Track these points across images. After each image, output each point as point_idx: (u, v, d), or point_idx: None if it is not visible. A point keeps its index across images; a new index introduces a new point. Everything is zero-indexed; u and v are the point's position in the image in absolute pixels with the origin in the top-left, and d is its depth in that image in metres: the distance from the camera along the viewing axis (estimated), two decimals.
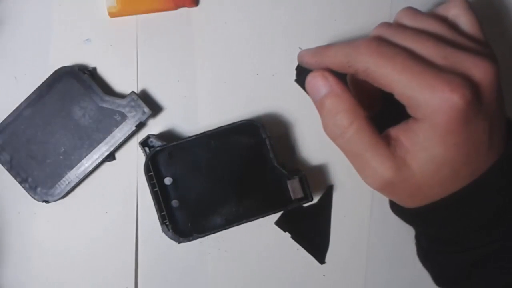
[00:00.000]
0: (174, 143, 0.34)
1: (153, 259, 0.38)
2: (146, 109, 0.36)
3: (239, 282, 0.38)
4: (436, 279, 0.33)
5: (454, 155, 0.27)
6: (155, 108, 0.37)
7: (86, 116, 0.36)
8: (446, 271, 0.31)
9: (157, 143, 0.35)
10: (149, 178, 0.34)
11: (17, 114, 0.36)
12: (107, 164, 0.37)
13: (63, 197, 0.37)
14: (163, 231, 0.34)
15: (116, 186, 0.38)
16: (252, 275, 0.38)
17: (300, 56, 0.32)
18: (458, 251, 0.30)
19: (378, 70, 0.27)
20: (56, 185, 0.36)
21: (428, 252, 0.33)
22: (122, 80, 0.37)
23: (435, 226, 0.30)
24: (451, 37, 0.28)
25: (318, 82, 0.29)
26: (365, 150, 0.28)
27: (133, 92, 0.36)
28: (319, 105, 0.29)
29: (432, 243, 0.32)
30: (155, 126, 0.37)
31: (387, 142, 0.28)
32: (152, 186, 0.34)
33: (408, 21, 0.29)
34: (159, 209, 0.34)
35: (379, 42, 0.28)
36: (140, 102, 0.36)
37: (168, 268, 0.38)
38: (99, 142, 0.36)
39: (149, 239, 0.38)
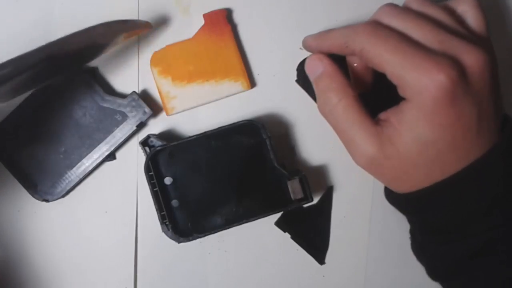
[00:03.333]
0: (175, 143, 0.34)
1: (153, 259, 0.38)
2: (147, 109, 0.36)
3: (239, 282, 0.38)
4: (431, 272, 0.33)
5: (439, 137, 0.28)
6: (156, 108, 0.37)
7: (87, 115, 0.36)
8: (442, 263, 0.31)
9: (157, 143, 0.35)
10: (149, 178, 0.34)
11: (17, 114, 0.36)
12: (108, 164, 0.37)
13: (63, 196, 0.37)
14: (163, 230, 0.34)
15: (116, 186, 0.38)
16: (252, 275, 0.38)
17: (304, 41, 0.34)
18: (453, 241, 0.30)
19: (372, 50, 0.28)
20: (56, 184, 0.36)
21: (423, 245, 0.33)
22: (123, 80, 0.37)
23: (428, 213, 0.31)
24: (453, 27, 0.29)
25: (314, 63, 0.32)
26: (351, 126, 0.30)
27: (134, 92, 0.36)
28: (315, 84, 0.32)
29: (426, 235, 0.32)
30: (155, 126, 0.37)
31: (376, 122, 0.30)
32: (152, 186, 0.34)
33: (416, 5, 0.30)
34: (159, 209, 0.34)
35: (375, 24, 0.29)
36: (141, 102, 0.36)
37: (167, 268, 0.38)
38: (99, 141, 0.36)
39: (149, 239, 0.37)
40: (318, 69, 0.31)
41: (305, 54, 0.36)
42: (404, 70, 0.27)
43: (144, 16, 0.37)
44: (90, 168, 0.36)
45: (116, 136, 0.36)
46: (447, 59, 0.27)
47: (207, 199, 0.35)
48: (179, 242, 0.34)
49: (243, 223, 0.34)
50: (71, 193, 0.37)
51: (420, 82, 0.27)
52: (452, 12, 0.30)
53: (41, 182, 0.36)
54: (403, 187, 0.31)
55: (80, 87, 0.36)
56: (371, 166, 0.30)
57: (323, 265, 0.38)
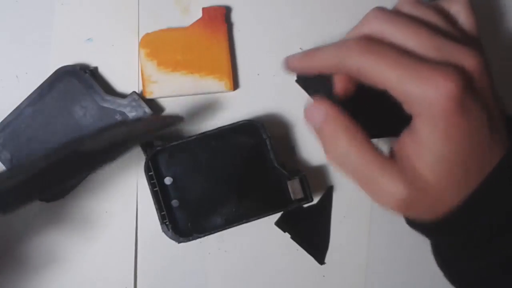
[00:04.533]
0: (175, 143, 0.34)
1: (153, 259, 0.38)
2: (147, 109, 0.36)
3: (238, 282, 0.38)
4: (460, 286, 0.32)
5: (461, 149, 0.26)
6: (156, 108, 0.37)
7: (87, 115, 0.36)
8: (473, 278, 0.30)
9: (157, 143, 0.35)
10: (149, 178, 0.34)
11: (18, 113, 0.36)
12: (108, 164, 0.37)
13: (63, 196, 0.37)
14: (163, 230, 0.34)
15: (116, 186, 0.38)
16: (252, 275, 0.38)
17: (287, 62, 0.30)
18: (485, 255, 0.28)
19: (370, 68, 0.27)
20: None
21: (452, 262, 0.31)
22: (123, 80, 0.37)
23: (457, 233, 0.29)
24: (448, 30, 0.28)
25: (315, 111, 0.29)
26: (371, 171, 0.27)
27: (134, 92, 0.36)
28: (318, 133, 0.29)
29: (456, 254, 0.30)
30: None
31: (391, 157, 0.27)
32: (152, 186, 0.34)
33: (408, 8, 0.29)
34: (159, 209, 0.34)
35: (368, 39, 0.27)
36: (141, 102, 0.36)
37: (167, 268, 0.38)
38: None
39: (149, 239, 0.37)
40: (320, 116, 0.28)
41: None
42: (408, 85, 0.26)
43: (144, 16, 0.37)
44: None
45: None
46: (450, 66, 0.26)
47: (207, 199, 0.35)
48: (179, 242, 0.34)
49: (243, 223, 0.34)
50: (71, 193, 0.37)
51: (428, 95, 0.25)
52: (445, 14, 0.29)
53: None
54: (434, 214, 0.28)
55: (80, 87, 0.36)
56: (405, 207, 0.27)
57: (323, 265, 0.38)
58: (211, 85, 0.36)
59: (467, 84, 0.26)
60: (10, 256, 0.38)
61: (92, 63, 0.37)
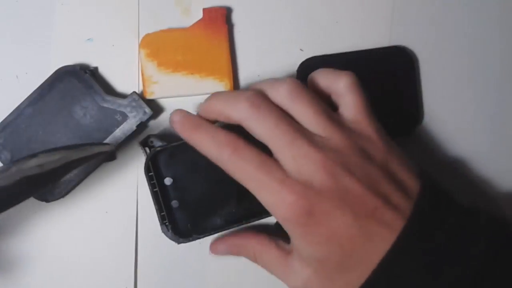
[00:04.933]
0: (175, 143, 0.34)
1: (153, 259, 0.38)
2: (147, 110, 0.36)
3: (238, 283, 0.38)
4: None
5: (331, 251, 0.27)
6: (156, 109, 0.37)
7: (87, 115, 0.36)
8: None
9: (157, 143, 0.35)
10: (149, 178, 0.34)
11: (18, 113, 0.36)
12: (108, 164, 0.37)
13: (63, 196, 0.36)
14: (163, 231, 0.34)
15: (116, 186, 0.38)
16: (252, 276, 0.38)
17: (173, 121, 0.32)
18: None
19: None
20: (57, 184, 0.36)
21: None
22: (123, 80, 0.37)
23: None
24: (317, 120, 0.29)
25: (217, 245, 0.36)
26: (276, 268, 0.32)
27: (134, 92, 0.36)
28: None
29: None
30: (156, 127, 0.37)
31: (288, 252, 0.31)
32: (152, 186, 0.34)
33: (286, 100, 0.29)
34: (159, 210, 0.34)
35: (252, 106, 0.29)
36: (141, 102, 0.36)
37: (167, 268, 0.38)
38: (100, 141, 0.36)
39: (149, 239, 0.38)
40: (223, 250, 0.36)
41: (305, 55, 0.36)
42: (263, 195, 0.28)
43: (144, 17, 0.37)
44: (90, 168, 0.36)
45: (116, 136, 0.36)
46: (297, 181, 0.27)
47: (207, 199, 0.35)
48: (178, 243, 0.34)
49: (243, 224, 0.34)
50: (71, 193, 0.37)
51: (279, 208, 0.27)
52: (325, 99, 0.30)
53: None
54: None
55: (80, 87, 0.36)
56: None
57: None
58: (212, 85, 0.36)
59: (313, 194, 0.26)
60: (10, 256, 0.38)
61: (92, 63, 0.37)
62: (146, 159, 0.34)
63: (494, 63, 0.38)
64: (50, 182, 0.30)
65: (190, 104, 0.37)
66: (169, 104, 0.38)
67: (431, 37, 0.38)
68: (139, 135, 0.37)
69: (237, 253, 0.34)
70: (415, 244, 0.26)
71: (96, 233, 0.38)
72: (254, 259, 0.33)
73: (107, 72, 0.37)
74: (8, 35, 0.37)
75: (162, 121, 0.37)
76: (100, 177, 0.37)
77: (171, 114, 0.32)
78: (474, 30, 0.38)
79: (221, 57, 0.36)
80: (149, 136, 0.35)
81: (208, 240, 0.37)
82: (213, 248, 0.36)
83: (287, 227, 0.28)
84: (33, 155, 0.29)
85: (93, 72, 0.37)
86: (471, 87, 0.38)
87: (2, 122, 0.36)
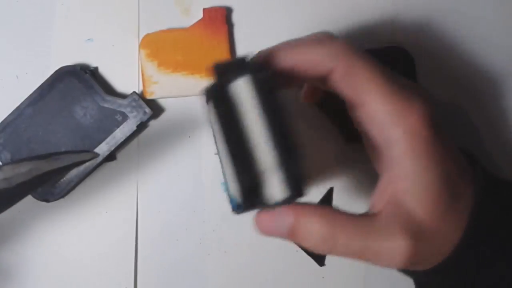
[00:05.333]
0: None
1: (153, 259, 0.38)
2: (147, 109, 0.36)
3: (238, 282, 0.38)
4: None
5: (445, 175, 0.24)
6: (156, 109, 0.37)
7: (87, 115, 0.36)
8: None
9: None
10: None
11: (18, 113, 0.36)
12: (108, 164, 0.37)
13: (63, 196, 0.37)
14: (232, 190, 0.24)
15: (116, 186, 0.38)
16: (252, 276, 0.38)
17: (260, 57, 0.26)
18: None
19: (354, 76, 0.24)
20: (57, 184, 0.36)
21: None
22: (123, 80, 0.37)
23: (461, 272, 0.26)
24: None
25: (278, 218, 0.24)
26: (366, 248, 0.23)
27: (134, 92, 0.36)
28: (292, 237, 0.24)
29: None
30: (156, 127, 0.37)
31: (378, 217, 0.24)
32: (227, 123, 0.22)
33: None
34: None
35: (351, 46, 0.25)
36: (142, 102, 0.36)
37: (167, 268, 0.38)
38: (100, 142, 0.36)
39: (149, 239, 0.38)
40: (286, 220, 0.24)
41: None
42: (389, 109, 0.23)
43: (144, 17, 0.37)
44: (90, 168, 0.36)
45: (116, 137, 0.36)
46: (420, 96, 0.24)
47: None
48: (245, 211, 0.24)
49: None
50: (71, 193, 0.37)
51: (408, 120, 0.23)
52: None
53: None
54: (440, 257, 0.25)
55: (80, 87, 0.36)
56: (411, 261, 0.24)
57: (322, 267, 0.38)
58: None
59: (435, 111, 0.24)
60: (10, 256, 0.38)
61: (93, 63, 0.37)
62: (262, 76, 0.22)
63: (493, 63, 0.38)
64: (18, 198, 0.26)
65: (190, 104, 0.37)
66: (169, 104, 0.38)
67: (431, 37, 0.38)
68: (140, 136, 0.37)
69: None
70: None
71: (96, 233, 0.38)
72: None
73: (107, 72, 0.37)
74: (9, 35, 0.37)
75: (163, 121, 0.37)
76: (100, 177, 0.38)
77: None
78: (474, 30, 0.38)
79: (221, 57, 0.36)
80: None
81: (208, 240, 0.37)
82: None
83: (409, 144, 0.23)
84: None
85: (93, 72, 0.37)
86: (471, 87, 0.38)
87: (2, 122, 0.36)
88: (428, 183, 0.23)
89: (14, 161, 0.26)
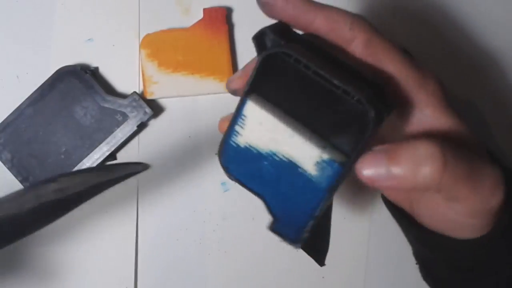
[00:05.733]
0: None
1: (153, 259, 0.38)
2: (148, 109, 0.36)
3: (238, 283, 0.38)
4: None
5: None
6: (156, 109, 0.37)
7: (87, 115, 0.36)
8: None
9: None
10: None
11: (18, 113, 0.36)
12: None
13: None
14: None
15: (116, 186, 0.38)
16: (252, 276, 0.38)
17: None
18: (483, 278, 0.26)
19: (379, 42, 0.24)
20: None
21: (449, 282, 0.29)
22: (124, 80, 0.37)
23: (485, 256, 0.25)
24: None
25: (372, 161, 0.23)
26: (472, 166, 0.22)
27: (134, 92, 0.36)
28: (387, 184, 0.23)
29: (454, 271, 0.27)
30: (156, 127, 0.37)
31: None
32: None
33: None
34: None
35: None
36: (142, 102, 0.36)
37: (168, 268, 0.38)
38: (100, 142, 0.36)
39: (149, 239, 0.38)
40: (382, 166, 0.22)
41: None
42: (415, 76, 0.24)
43: (144, 17, 0.37)
44: None
45: (116, 137, 0.36)
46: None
47: None
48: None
49: None
50: None
51: (428, 83, 0.24)
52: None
53: None
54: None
55: (81, 87, 0.36)
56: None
57: (322, 267, 0.38)
58: (212, 85, 0.36)
59: None
60: (10, 256, 0.38)
61: (93, 63, 0.37)
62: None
63: (493, 63, 0.38)
64: (71, 207, 0.27)
65: (190, 104, 0.37)
66: (169, 104, 0.38)
67: (431, 37, 0.38)
68: (140, 135, 0.37)
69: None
70: None
71: (96, 233, 0.38)
72: None
73: (107, 72, 0.37)
74: (9, 35, 0.37)
75: (163, 121, 0.37)
76: None
77: None
78: (473, 30, 0.38)
79: (221, 57, 0.36)
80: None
81: (208, 240, 0.37)
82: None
83: (432, 97, 0.24)
84: (52, 179, 0.26)
85: (94, 72, 0.37)
86: (470, 87, 0.38)
87: (2, 122, 0.36)
88: (464, 135, 0.24)
89: (70, 173, 0.27)
